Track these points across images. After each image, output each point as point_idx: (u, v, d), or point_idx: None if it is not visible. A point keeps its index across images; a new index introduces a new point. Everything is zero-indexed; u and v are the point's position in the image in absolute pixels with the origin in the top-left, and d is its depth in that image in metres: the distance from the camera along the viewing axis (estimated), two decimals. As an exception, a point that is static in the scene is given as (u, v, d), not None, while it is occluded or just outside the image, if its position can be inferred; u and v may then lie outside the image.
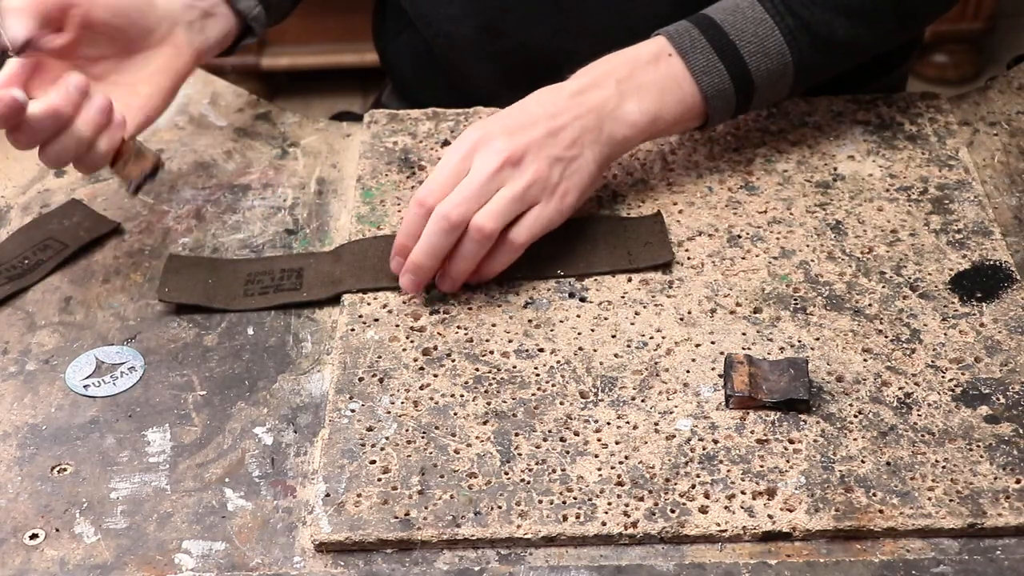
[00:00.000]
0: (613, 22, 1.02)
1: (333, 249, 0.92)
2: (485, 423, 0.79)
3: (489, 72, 1.09)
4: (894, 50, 1.10)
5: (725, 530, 0.73)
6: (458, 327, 0.86)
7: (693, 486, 0.75)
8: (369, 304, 0.88)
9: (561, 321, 0.86)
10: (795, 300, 0.87)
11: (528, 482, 0.76)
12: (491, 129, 0.86)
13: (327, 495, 0.75)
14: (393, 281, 0.88)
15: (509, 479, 0.76)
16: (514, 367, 0.83)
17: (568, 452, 0.77)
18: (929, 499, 0.74)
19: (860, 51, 0.97)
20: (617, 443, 0.78)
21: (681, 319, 0.86)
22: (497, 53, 1.06)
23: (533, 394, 0.81)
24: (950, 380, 0.81)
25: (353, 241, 0.92)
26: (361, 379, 0.83)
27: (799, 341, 0.84)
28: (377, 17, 1.22)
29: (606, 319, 0.86)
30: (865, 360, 0.83)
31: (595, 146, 0.88)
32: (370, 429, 0.79)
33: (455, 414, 0.80)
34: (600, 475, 0.76)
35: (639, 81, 0.90)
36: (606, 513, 0.74)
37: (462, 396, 0.81)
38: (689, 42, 0.91)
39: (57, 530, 0.75)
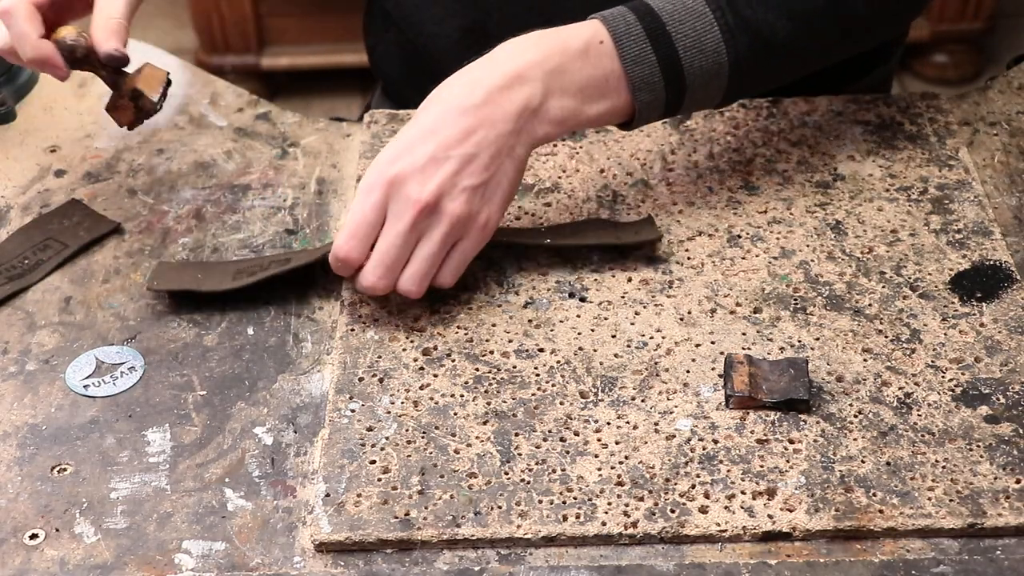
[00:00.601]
0: None
1: (318, 248, 0.91)
2: (485, 423, 0.79)
3: None
4: (872, 50, 1.07)
5: (725, 530, 0.73)
6: (458, 327, 0.86)
7: (693, 486, 0.75)
8: (369, 304, 0.88)
9: (561, 321, 0.86)
10: (795, 300, 0.87)
11: (528, 482, 0.76)
12: (401, 168, 0.83)
13: (327, 495, 0.75)
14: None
15: (509, 479, 0.76)
16: (514, 367, 0.83)
17: (568, 452, 0.77)
18: (929, 499, 0.74)
19: (800, 59, 0.93)
20: (617, 443, 0.78)
21: (681, 319, 0.86)
22: (481, 53, 1.06)
23: (533, 394, 0.81)
24: (950, 380, 0.81)
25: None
26: (361, 379, 0.83)
27: (799, 341, 0.84)
28: (366, 17, 1.22)
29: (606, 319, 0.86)
30: (865, 360, 0.83)
31: (514, 151, 0.85)
32: (370, 429, 0.79)
33: (455, 414, 0.80)
34: (600, 475, 0.76)
35: (567, 73, 0.86)
36: (606, 513, 0.74)
37: (462, 396, 0.81)
38: (624, 29, 0.87)
39: (57, 530, 0.75)
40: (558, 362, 0.83)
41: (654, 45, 0.87)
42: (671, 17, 0.88)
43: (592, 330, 0.85)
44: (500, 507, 0.75)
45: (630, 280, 0.89)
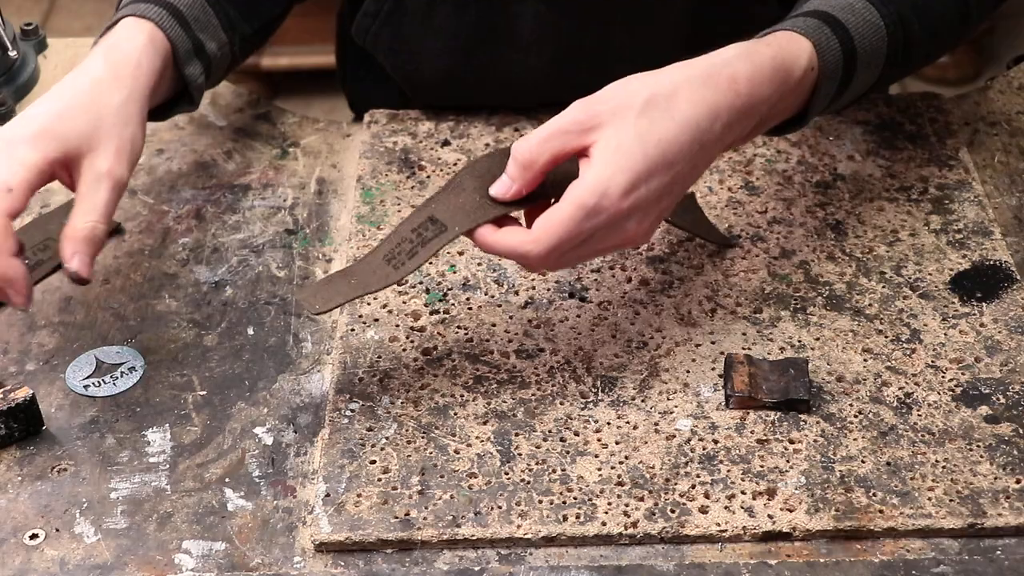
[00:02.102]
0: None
1: (450, 183, 0.81)
2: (485, 423, 0.79)
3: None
4: None
5: (725, 530, 0.73)
6: (458, 327, 0.86)
7: (693, 486, 0.75)
8: (369, 304, 0.88)
9: (561, 321, 0.86)
10: (795, 300, 0.87)
11: (528, 482, 0.76)
12: (635, 202, 0.76)
13: (327, 495, 0.75)
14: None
15: (509, 479, 0.76)
16: (514, 367, 0.83)
17: (568, 452, 0.77)
18: (929, 499, 0.74)
19: (926, 61, 0.93)
20: (617, 443, 0.78)
21: (681, 319, 0.86)
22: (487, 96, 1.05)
23: (533, 394, 0.81)
24: (950, 380, 0.81)
25: (472, 164, 0.81)
26: (361, 379, 0.83)
27: (799, 341, 0.84)
28: (341, 66, 1.21)
29: (606, 319, 0.86)
30: (865, 360, 0.83)
31: (685, 180, 0.80)
32: (370, 429, 0.79)
33: (455, 414, 0.80)
34: (600, 475, 0.76)
35: (778, 107, 0.82)
36: (606, 513, 0.74)
37: (462, 396, 0.81)
38: (832, 64, 0.83)
39: (57, 530, 0.75)
40: (558, 362, 0.83)
41: (839, 88, 0.85)
42: (863, 47, 0.84)
43: (592, 330, 0.85)
44: (500, 507, 0.75)
45: (630, 280, 0.89)
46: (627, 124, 0.76)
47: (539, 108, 1.04)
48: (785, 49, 0.82)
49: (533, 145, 0.76)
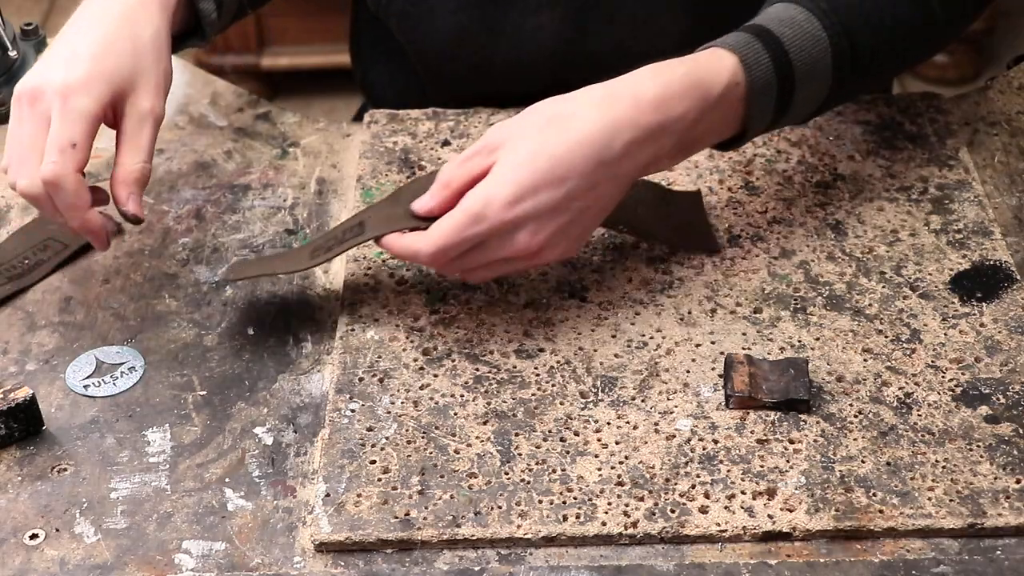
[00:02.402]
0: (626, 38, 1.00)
1: (391, 194, 0.86)
2: (485, 423, 0.79)
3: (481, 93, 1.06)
4: None
5: (725, 530, 0.73)
6: (458, 327, 0.86)
7: (693, 486, 0.75)
8: (369, 304, 0.88)
9: (561, 321, 0.86)
10: (795, 300, 0.87)
11: (528, 482, 0.76)
12: (520, 213, 0.78)
13: (327, 495, 0.75)
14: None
15: (509, 479, 0.76)
16: (514, 367, 0.83)
17: (568, 452, 0.77)
18: (929, 499, 0.74)
19: (883, 72, 0.94)
20: (617, 443, 0.78)
21: (681, 319, 0.86)
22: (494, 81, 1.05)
23: (533, 394, 0.81)
24: (950, 380, 0.81)
25: (412, 181, 0.86)
26: (361, 379, 0.83)
27: (799, 341, 0.84)
28: (353, 45, 1.21)
29: (606, 319, 0.86)
30: (865, 360, 0.83)
31: (618, 197, 0.83)
32: (370, 429, 0.79)
33: (455, 414, 0.80)
34: (600, 475, 0.76)
35: (701, 124, 0.82)
36: (606, 513, 0.74)
37: (462, 396, 0.81)
38: (762, 80, 0.83)
39: (57, 530, 0.75)
40: (558, 362, 0.83)
41: (779, 102, 0.85)
42: (803, 75, 0.85)
43: (592, 330, 0.85)
44: (500, 507, 0.75)
45: (630, 280, 0.89)
46: (524, 141, 0.80)
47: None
48: (703, 66, 0.82)
49: (452, 166, 0.81)
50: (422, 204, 0.81)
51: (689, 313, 0.86)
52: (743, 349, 0.83)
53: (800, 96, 0.86)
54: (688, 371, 0.82)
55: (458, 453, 0.78)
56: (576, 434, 0.79)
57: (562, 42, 1.00)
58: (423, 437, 0.79)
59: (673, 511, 0.74)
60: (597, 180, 0.80)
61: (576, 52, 0.98)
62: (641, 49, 0.95)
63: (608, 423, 0.79)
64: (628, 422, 0.79)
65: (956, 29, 0.95)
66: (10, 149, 0.83)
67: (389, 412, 0.80)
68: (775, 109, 0.85)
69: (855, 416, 0.79)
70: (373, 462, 0.77)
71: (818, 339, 0.84)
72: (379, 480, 0.76)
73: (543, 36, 1.00)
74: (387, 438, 0.79)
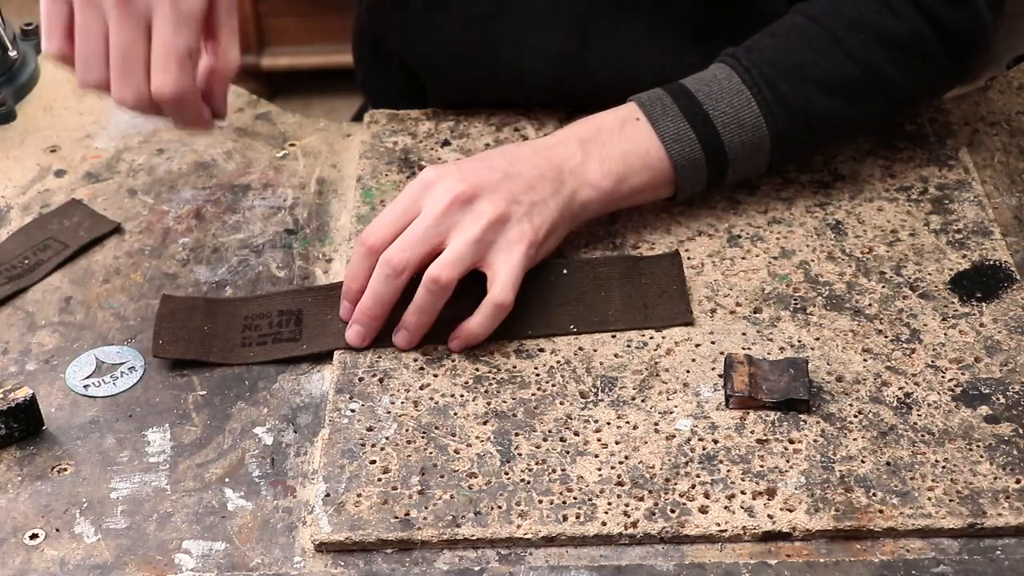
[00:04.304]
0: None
1: (331, 287, 0.87)
2: (485, 423, 0.79)
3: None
4: None
5: (725, 530, 0.73)
6: (458, 327, 0.86)
7: (693, 486, 0.75)
8: (369, 304, 0.88)
9: (561, 321, 0.86)
10: (795, 300, 0.87)
11: (528, 482, 0.76)
12: (444, 171, 0.83)
13: (327, 495, 0.75)
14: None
15: (509, 479, 0.76)
16: (514, 367, 0.83)
17: (568, 452, 0.77)
18: (929, 499, 0.74)
19: (846, 129, 0.94)
20: (617, 443, 0.78)
21: (681, 319, 0.86)
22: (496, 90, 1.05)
23: (533, 394, 0.81)
24: (950, 380, 0.81)
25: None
26: (361, 379, 0.83)
27: (799, 341, 0.84)
28: (356, 46, 1.21)
29: (606, 319, 0.86)
30: (865, 360, 0.83)
31: (557, 198, 0.85)
32: (370, 429, 0.79)
33: (455, 414, 0.80)
34: (600, 475, 0.76)
35: (604, 143, 0.87)
36: (606, 513, 0.74)
37: (462, 396, 0.81)
38: (660, 109, 0.88)
39: (57, 530, 0.75)
40: (558, 362, 0.83)
41: (691, 122, 0.88)
42: (707, 96, 0.89)
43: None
44: (500, 507, 0.75)
45: (630, 280, 0.89)
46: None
47: (539, 108, 1.04)
48: (605, 115, 0.90)
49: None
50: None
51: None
52: (743, 349, 0.84)
53: (719, 115, 0.88)
54: (688, 371, 0.82)
55: (458, 453, 0.78)
56: (576, 434, 0.79)
57: (563, 57, 1.00)
58: (423, 437, 0.79)
59: (673, 511, 0.74)
60: (514, 156, 0.85)
61: (577, 67, 0.99)
62: (642, 63, 0.95)
63: (608, 423, 0.79)
64: (628, 422, 0.79)
65: (922, 96, 0.97)
66: (110, 58, 0.78)
67: (389, 412, 0.80)
68: (699, 134, 0.88)
69: (855, 416, 0.79)
70: (373, 462, 0.77)
71: (818, 339, 0.84)
72: (379, 480, 0.76)
73: (545, 50, 1.01)
74: (387, 438, 0.79)
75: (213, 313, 0.87)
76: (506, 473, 0.76)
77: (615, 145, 0.88)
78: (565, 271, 0.87)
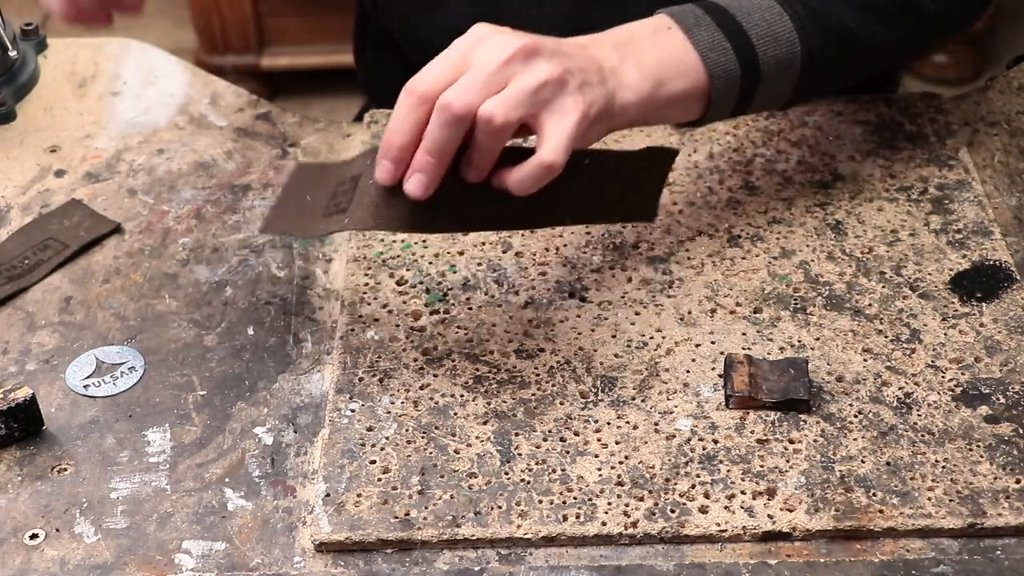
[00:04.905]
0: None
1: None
2: (485, 423, 0.79)
3: None
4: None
5: (725, 530, 0.73)
6: (458, 327, 0.86)
7: (693, 486, 0.75)
8: (369, 304, 0.88)
9: (561, 321, 0.86)
10: (795, 300, 0.87)
11: (528, 482, 0.76)
12: (499, 28, 0.78)
13: (327, 495, 0.76)
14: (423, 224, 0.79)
15: (509, 479, 0.76)
16: (514, 367, 0.83)
17: (568, 452, 0.77)
18: (929, 499, 0.74)
19: (874, 51, 0.92)
20: (617, 443, 0.78)
21: (681, 319, 0.86)
22: None
23: (533, 394, 0.81)
24: (950, 380, 0.81)
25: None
26: (361, 379, 0.83)
27: (799, 341, 0.84)
28: (358, 41, 1.21)
29: (606, 319, 0.86)
30: (865, 360, 0.83)
31: (602, 89, 0.79)
32: (370, 429, 0.79)
33: (455, 414, 0.80)
34: (600, 475, 0.76)
35: (638, 49, 0.83)
36: (606, 513, 0.74)
37: (462, 396, 0.81)
38: (693, 20, 0.85)
39: (57, 530, 0.75)
40: (558, 362, 0.83)
41: (726, 33, 0.85)
42: (739, 10, 0.86)
43: (592, 330, 0.85)
44: (500, 507, 0.75)
45: (630, 280, 0.89)
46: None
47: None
48: (633, 25, 0.86)
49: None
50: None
51: (689, 313, 0.86)
52: (743, 349, 0.84)
53: (753, 28, 0.86)
54: (688, 371, 0.82)
55: (458, 453, 0.78)
56: (576, 434, 0.79)
57: (568, 30, 0.99)
58: (423, 437, 0.79)
59: (673, 511, 0.74)
60: (555, 44, 0.79)
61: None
62: None
63: (608, 423, 0.79)
64: (628, 422, 0.79)
65: (951, 23, 0.95)
66: None
67: (389, 412, 0.80)
68: (734, 44, 0.85)
69: (855, 416, 0.79)
70: (373, 462, 0.77)
71: (818, 339, 0.84)
72: (379, 480, 0.76)
73: (549, 25, 1.00)
74: (387, 438, 0.79)
75: (318, 180, 0.82)
76: (506, 473, 0.76)
77: (649, 52, 0.83)
78: (586, 160, 0.82)
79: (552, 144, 0.76)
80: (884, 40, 0.91)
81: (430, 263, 0.90)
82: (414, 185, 0.76)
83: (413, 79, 0.76)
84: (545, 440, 0.78)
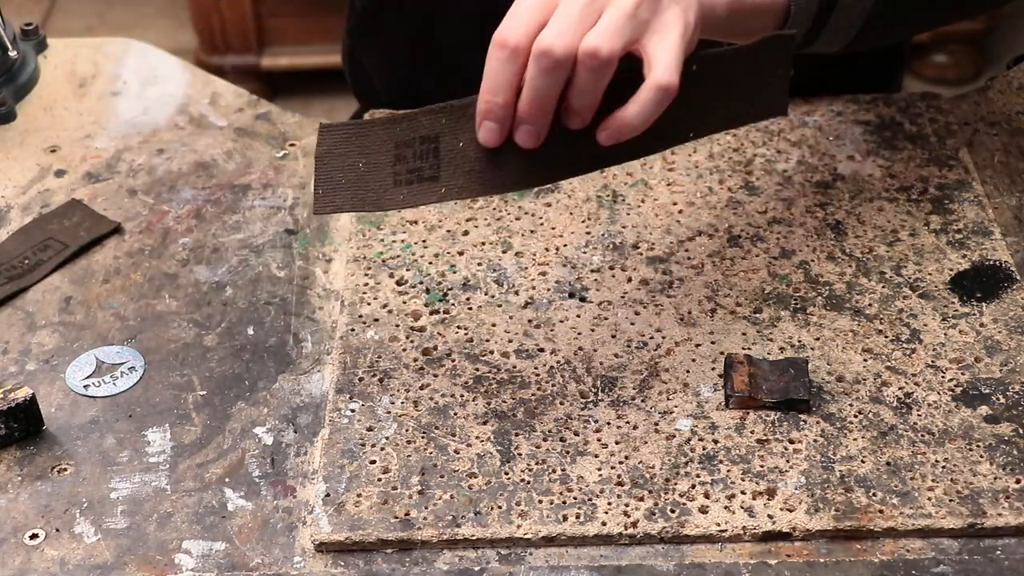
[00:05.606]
0: None
1: (464, 104, 0.75)
2: (485, 423, 0.79)
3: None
4: (885, 48, 1.06)
5: (725, 530, 0.73)
6: (458, 327, 0.86)
7: (693, 486, 0.75)
8: (369, 304, 0.88)
9: (561, 321, 0.86)
10: (795, 300, 0.87)
11: (528, 482, 0.76)
12: None
13: (327, 495, 0.76)
14: (534, 176, 0.76)
15: (509, 479, 0.76)
16: (514, 367, 0.83)
17: (568, 452, 0.77)
18: (929, 499, 0.74)
19: (930, 3, 0.89)
20: (617, 443, 0.78)
21: (681, 319, 0.86)
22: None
23: (533, 394, 0.81)
24: (950, 380, 0.81)
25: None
26: (361, 379, 0.83)
27: (799, 341, 0.84)
28: (349, 34, 1.20)
29: (606, 319, 0.86)
30: (865, 360, 0.83)
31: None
32: (370, 429, 0.79)
33: (455, 414, 0.80)
34: (600, 475, 0.76)
35: None
36: (606, 513, 0.74)
37: (462, 396, 0.81)
38: None
39: (57, 530, 0.75)
40: (558, 362, 0.83)
41: None
42: None
43: (592, 330, 0.85)
44: (500, 507, 0.75)
45: (630, 280, 0.89)
46: None
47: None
48: None
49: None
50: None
51: (689, 313, 0.86)
52: (743, 349, 0.84)
53: None
54: (688, 371, 0.82)
55: (458, 453, 0.78)
56: (576, 434, 0.79)
57: None
58: (423, 437, 0.79)
59: (673, 511, 0.74)
60: None
61: None
62: None
63: (608, 423, 0.79)
64: (628, 422, 0.79)
65: None
66: None
67: (389, 412, 0.80)
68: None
69: (855, 416, 0.79)
70: (373, 462, 0.77)
71: (818, 339, 0.84)
72: (379, 480, 0.76)
73: None
74: (387, 438, 0.79)
75: (366, 142, 0.76)
76: (506, 473, 0.76)
77: None
78: (694, 67, 0.77)
79: (663, 63, 0.71)
80: None
81: (430, 263, 0.91)
82: (525, 136, 0.73)
83: (500, 29, 0.71)
84: (545, 440, 0.78)
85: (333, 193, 0.76)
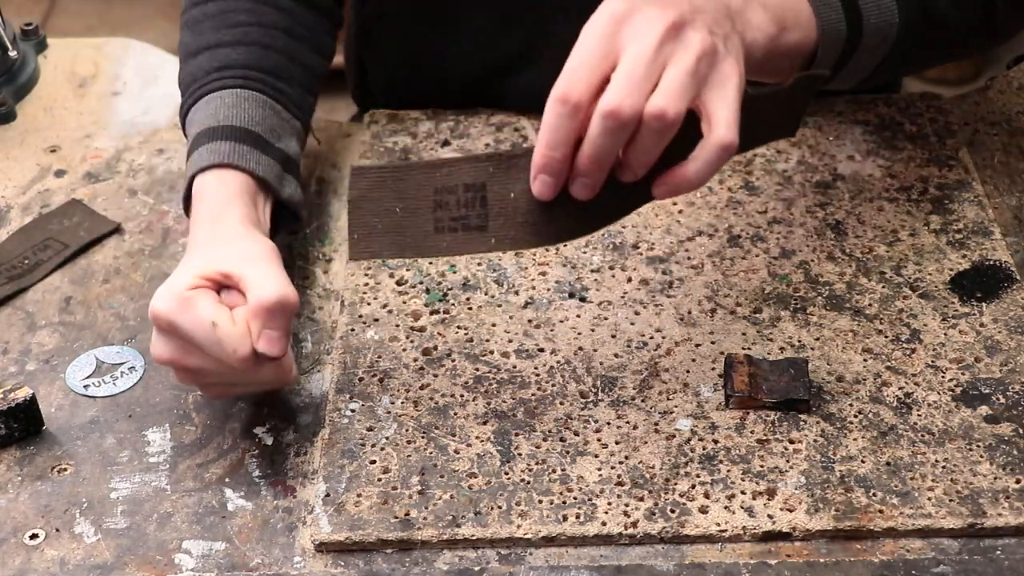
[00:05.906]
0: None
1: (512, 155, 0.74)
2: (485, 423, 0.79)
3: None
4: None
5: (725, 530, 0.73)
6: (458, 327, 0.86)
7: (693, 486, 0.75)
8: (369, 304, 0.88)
9: (561, 321, 0.86)
10: (795, 300, 0.87)
11: (528, 482, 0.76)
12: (634, 2, 0.71)
13: (327, 495, 0.76)
14: (587, 225, 0.75)
15: (509, 479, 0.76)
16: (514, 367, 0.83)
17: (568, 452, 0.77)
18: (929, 499, 0.74)
19: (954, 39, 0.90)
20: (617, 443, 0.78)
21: (681, 319, 0.86)
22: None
23: (533, 394, 0.81)
24: (950, 380, 0.81)
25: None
26: (361, 379, 0.83)
27: (799, 341, 0.84)
28: (347, 67, 1.21)
29: (606, 319, 0.86)
30: (865, 360, 0.83)
31: (735, 36, 0.74)
32: (370, 429, 0.79)
33: (455, 414, 0.80)
34: (600, 475, 0.76)
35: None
36: (606, 513, 0.74)
37: (462, 396, 0.81)
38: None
39: (57, 530, 0.75)
40: (558, 362, 0.83)
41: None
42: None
43: (592, 330, 0.85)
44: (500, 507, 0.75)
45: (630, 280, 0.89)
46: None
47: (537, 112, 1.04)
48: None
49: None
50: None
51: (689, 313, 0.86)
52: (743, 349, 0.84)
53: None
54: (688, 371, 0.82)
55: (458, 453, 0.78)
56: (576, 434, 0.79)
57: None
58: (423, 437, 0.79)
59: (673, 511, 0.74)
60: None
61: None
62: None
63: (608, 423, 0.79)
64: (628, 422, 0.79)
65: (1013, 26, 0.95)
66: None
67: (389, 412, 0.80)
68: (845, 7, 0.82)
69: (855, 416, 0.79)
70: (373, 462, 0.77)
71: (818, 339, 0.84)
72: (379, 480, 0.76)
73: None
74: (387, 438, 0.79)
75: (403, 186, 0.74)
76: (506, 473, 0.76)
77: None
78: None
79: (724, 121, 0.70)
80: (958, 25, 0.89)
81: (430, 263, 0.90)
82: (581, 189, 0.72)
83: (561, 84, 0.70)
84: (545, 440, 0.78)
85: (369, 238, 0.75)
